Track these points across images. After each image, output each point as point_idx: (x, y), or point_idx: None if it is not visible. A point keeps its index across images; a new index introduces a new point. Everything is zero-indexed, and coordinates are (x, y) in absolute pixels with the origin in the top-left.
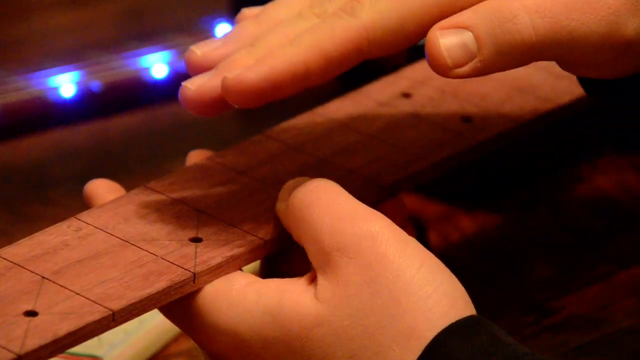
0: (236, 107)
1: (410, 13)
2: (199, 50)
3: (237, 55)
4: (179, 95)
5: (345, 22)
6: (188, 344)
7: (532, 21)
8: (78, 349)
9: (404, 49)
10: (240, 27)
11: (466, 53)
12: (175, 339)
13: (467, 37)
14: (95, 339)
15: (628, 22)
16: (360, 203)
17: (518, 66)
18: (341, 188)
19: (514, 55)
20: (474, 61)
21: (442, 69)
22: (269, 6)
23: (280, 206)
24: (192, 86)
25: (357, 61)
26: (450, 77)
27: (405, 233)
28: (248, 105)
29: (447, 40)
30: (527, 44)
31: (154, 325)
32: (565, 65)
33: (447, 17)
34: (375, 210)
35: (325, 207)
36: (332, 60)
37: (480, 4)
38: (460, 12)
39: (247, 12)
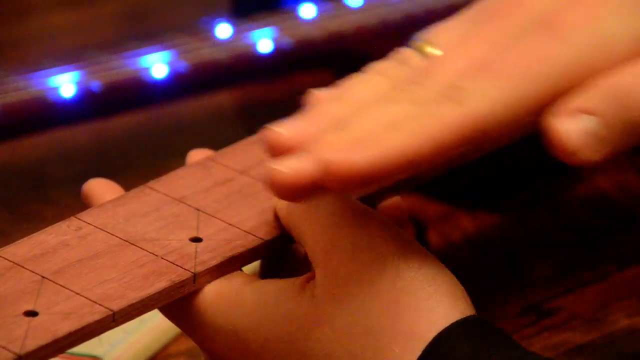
0: (333, 192)
1: (521, 98)
2: (286, 132)
3: (329, 137)
4: (270, 180)
5: (453, 110)
6: (188, 344)
7: None
8: (78, 349)
9: (512, 140)
10: (321, 108)
11: (593, 138)
12: (175, 339)
13: (591, 121)
14: (95, 338)
15: None
16: (360, 203)
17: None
18: None
19: (639, 134)
20: (601, 145)
21: (572, 158)
22: (347, 86)
23: (280, 205)
24: (287, 170)
25: (463, 152)
26: (582, 166)
27: (405, 233)
28: (348, 190)
29: (571, 127)
30: None
31: (154, 325)
32: None
33: (556, 99)
34: (375, 210)
35: (325, 207)
36: (443, 149)
37: (595, 85)
38: (576, 94)
39: (319, 93)
